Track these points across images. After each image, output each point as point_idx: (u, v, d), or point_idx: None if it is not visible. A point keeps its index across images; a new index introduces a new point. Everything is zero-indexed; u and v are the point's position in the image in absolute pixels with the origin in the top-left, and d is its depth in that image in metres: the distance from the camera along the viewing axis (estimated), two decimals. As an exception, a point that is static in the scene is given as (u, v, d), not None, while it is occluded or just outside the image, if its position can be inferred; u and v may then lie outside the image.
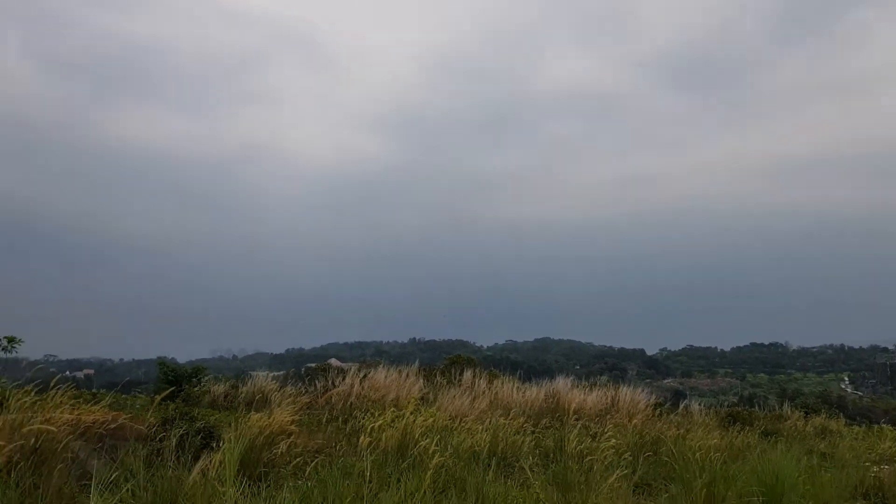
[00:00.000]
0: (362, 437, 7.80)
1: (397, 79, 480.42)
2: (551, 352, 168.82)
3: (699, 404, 17.55)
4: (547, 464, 8.62)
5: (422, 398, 11.76)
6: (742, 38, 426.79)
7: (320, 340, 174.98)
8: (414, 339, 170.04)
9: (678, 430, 11.99)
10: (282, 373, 17.28)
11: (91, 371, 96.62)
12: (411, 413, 9.12)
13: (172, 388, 9.92)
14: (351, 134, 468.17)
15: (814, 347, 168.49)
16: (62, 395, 6.91)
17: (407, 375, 13.19)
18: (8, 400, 6.31)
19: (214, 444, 6.93)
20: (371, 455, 7.28)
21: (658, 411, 15.15)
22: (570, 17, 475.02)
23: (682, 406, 16.79)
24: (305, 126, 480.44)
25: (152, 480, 5.70)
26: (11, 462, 5.41)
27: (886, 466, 11.31)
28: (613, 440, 9.84)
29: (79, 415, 6.77)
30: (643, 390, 16.14)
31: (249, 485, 6.15)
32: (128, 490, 5.47)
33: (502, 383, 13.90)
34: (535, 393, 13.89)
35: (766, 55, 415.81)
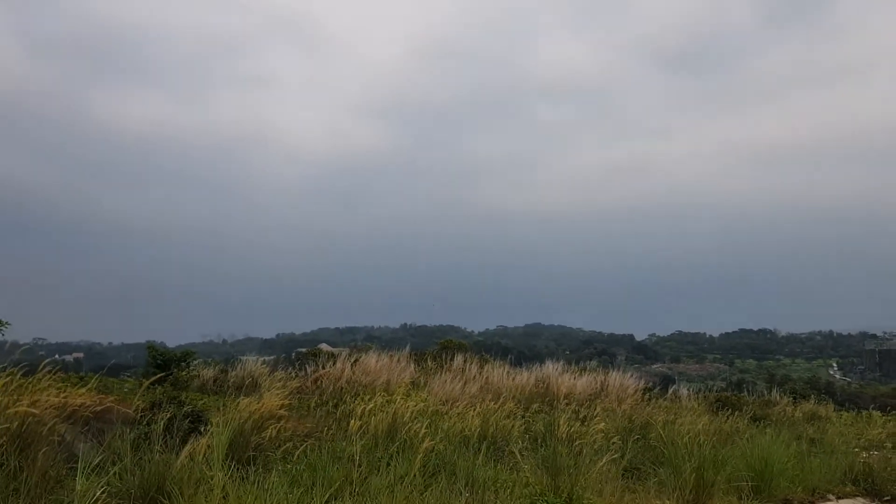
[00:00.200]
0: (352, 421, 7.78)
1: (389, 63, 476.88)
2: (542, 337, 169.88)
3: (688, 389, 17.58)
4: (537, 448, 8.64)
5: (413, 383, 11.75)
6: (735, 25, 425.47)
7: (311, 325, 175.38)
8: (405, 324, 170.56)
9: (667, 414, 12.05)
10: (272, 357, 17.19)
11: (80, 355, 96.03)
12: (402, 397, 9.12)
13: (161, 373, 9.84)
14: (343, 119, 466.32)
15: (803, 334, 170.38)
16: (49, 377, 6.83)
17: (398, 360, 13.16)
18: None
19: (203, 428, 6.89)
20: (361, 439, 7.27)
21: (647, 396, 15.21)
22: (564, 2, 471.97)
23: (670, 391, 16.84)
24: (297, 111, 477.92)
25: (139, 464, 5.67)
26: (-4, 445, 5.35)
27: (875, 452, 11.43)
28: (603, 424, 9.89)
29: (66, 398, 6.68)
30: (632, 375, 16.13)
31: (238, 469, 6.12)
32: (115, 473, 5.44)
33: (493, 368, 13.89)
34: (525, 378, 13.90)
35: (759, 41, 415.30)
